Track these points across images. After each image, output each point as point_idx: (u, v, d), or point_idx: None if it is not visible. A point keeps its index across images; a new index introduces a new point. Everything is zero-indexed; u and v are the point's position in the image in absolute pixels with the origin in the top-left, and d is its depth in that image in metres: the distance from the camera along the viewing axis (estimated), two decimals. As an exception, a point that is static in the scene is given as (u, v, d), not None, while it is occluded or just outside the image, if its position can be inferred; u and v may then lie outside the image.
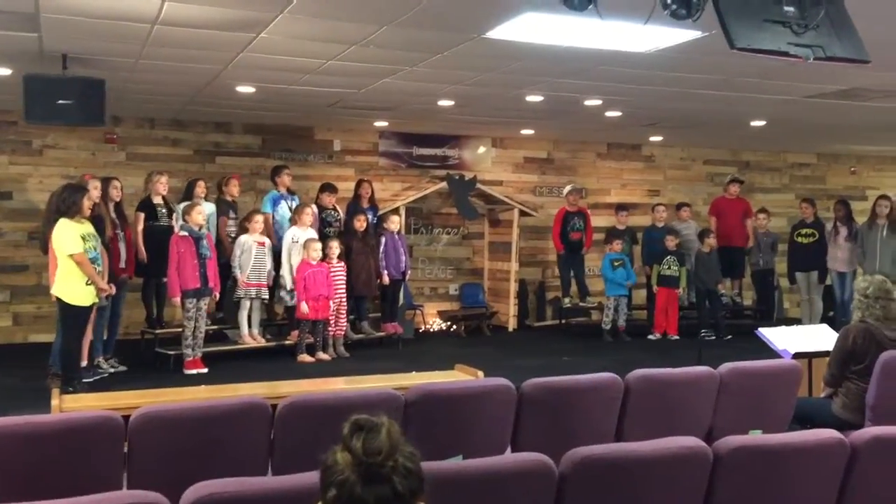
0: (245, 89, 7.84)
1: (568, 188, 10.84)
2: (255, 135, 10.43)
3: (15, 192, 9.49)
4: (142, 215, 8.10)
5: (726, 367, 4.40)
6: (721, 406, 4.38)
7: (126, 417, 3.34)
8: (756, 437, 2.91)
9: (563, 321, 10.87)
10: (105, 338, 7.69)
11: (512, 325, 10.87)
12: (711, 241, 10.30)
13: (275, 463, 3.53)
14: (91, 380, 7.10)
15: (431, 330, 10.76)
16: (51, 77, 6.34)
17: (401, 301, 10.07)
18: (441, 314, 10.81)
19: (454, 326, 10.58)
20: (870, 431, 3.05)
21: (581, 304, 10.75)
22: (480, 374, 6.35)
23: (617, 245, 10.16)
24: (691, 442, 2.83)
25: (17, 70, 6.74)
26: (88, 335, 7.31)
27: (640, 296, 11.03)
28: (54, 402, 5.32)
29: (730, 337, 9.92)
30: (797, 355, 5.48)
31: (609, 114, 9.24)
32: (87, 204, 6.55)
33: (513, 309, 10.90)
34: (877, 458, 2.98)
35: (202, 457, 3.33)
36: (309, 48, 6.12)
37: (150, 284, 8.26)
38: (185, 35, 5.72)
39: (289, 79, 7.29)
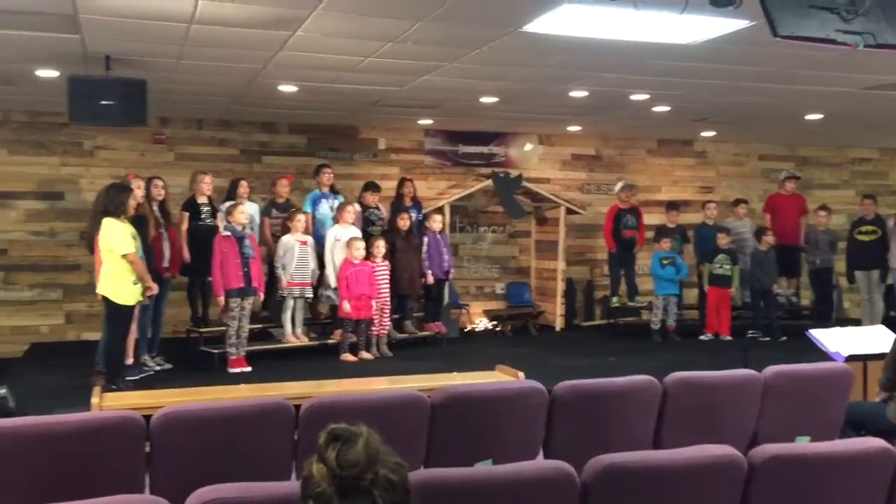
0: (287, 88, 7.84)
1: (619, 185, 10.64)
2: (301, 134, 10.45)
3: (67, 192, 9.65)
4: (186, 215, 8.16)
5: (771, 370, 4.21)
6: (766, 411, 4.20)
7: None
8: (794, 445, 2.74)
9: (612, 321, 10.66)
10: (150, 336, 7.77)
11: (559, 324, 10.71)
12: (769, 238, 9.99)
13: (299, 465, 3.48)
14: (136, 377, 7.16)
15: (477, 329, 10.65)
16: (94, 78, 6.41)
17: (445, 300, 10.00)
18: (487, 313, 10.70)
19: (500, 326, 10.45)
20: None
21: (630, 303, 10.54)
22: (521, 374, 6.24)
23: (665, 244, 9.92)
24: (724, 450, 2.68)
25: (65, 72, 6.83)
26: (134, 333, 7.40)
27: (692, 295, 10.77)
28: (94, 400, 5.37)
29: (784, 338, 9.61)
30: (850, 358, 5.25)
31: (657, 109, 9.02)
32: (132, 204, 6.62)
33: (560, 308, 10.74)
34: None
35: (225, 458, 3.29)
36: (346, 46, 6.07)
37: (194, 283, 8.32)
38: (221, 34, 5.72)
39: (329, 77, 7.26)
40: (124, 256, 6.41)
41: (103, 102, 6.32)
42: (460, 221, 11.06)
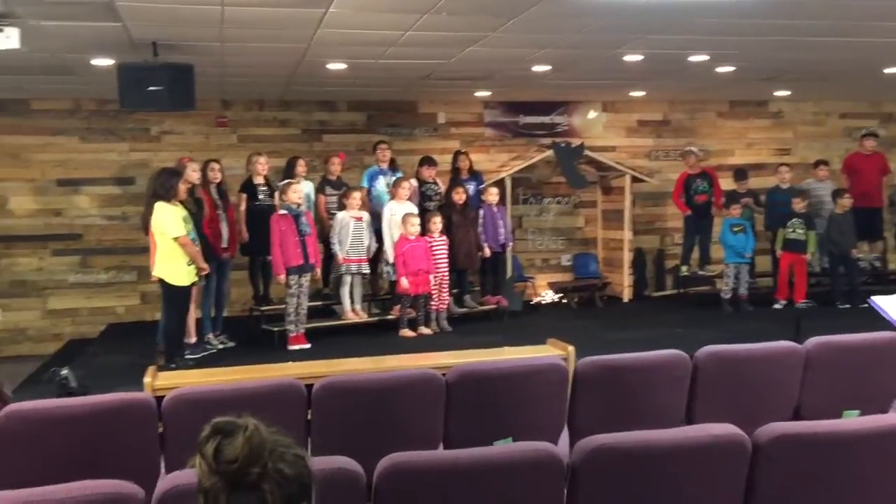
0: (335, 66, 7.83)
1: (684, 150, 10.33)
2: (360, 111, 10.47)
3: (137, 177, 9.92)
4: (244, 196, 8.28)
5: (813, 341, 4.00)
6: (809, 384, 4.00)
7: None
8: (805, 424, 2.58)
9: (682, 291, 10.37)
10: (213, 315, 7.95)
11: (627, 295, 10.49)
12: (845, 201, 9.52)
13: (314, 444, 3.48)
14: (199, 356, 7.34)
15: (543, 302, 10.52)
16: (141, 64, 6.53)
17: (509, 273, 9.91)
18: (552, 286, 10.55)
19: (565, 298, 10.30)
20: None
21: (700, 272, 10.22)
22: (571, 349, 6.13)
23: (735, 210, 9.55)
24: (726, 429, 2.54)
25: (118, 60, 6.97)
26: (194, 313, 7.59)
27: (766, 262, 10.37)
28: (147, 379, 5.52)
29: (866, 305, 9.13)
30: (916, 327, 4.93)
31: (720, 69, 8.63)
32: (182, 188, 6.75)
33: (627, 279, 10.50)
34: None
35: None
36: (381, 20, 6.00)
37: (255, 263, 8.46)
38: (255, 15, 5.72)
39: (374, 53, 7.21)
40: (175, 239, 6.55)
41: (151, 88, 6.43)
42: (524, 193, 10.92)
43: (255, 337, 8.20)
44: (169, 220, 6.55)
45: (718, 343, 4.02)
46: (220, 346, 7.89)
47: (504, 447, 2.45)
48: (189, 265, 6.69)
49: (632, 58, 7.76)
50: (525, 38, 6.79)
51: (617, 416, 3.73)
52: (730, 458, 2.51)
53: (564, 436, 3.78)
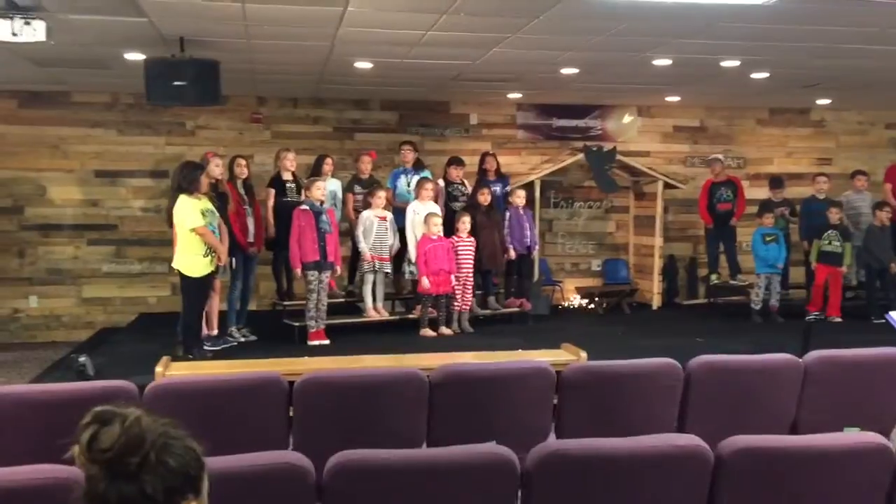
0: (363, 65, 7.87)
1: (709, 158, 10.20)
2: (392, 111, 10.51)
3: (172, 170, 10.05)
4: (272, 191, 8.36)
5: (813, 355, 3.90)
6: (807, 399, 3.90)
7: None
8: (769, 438, 2.51)
9: (711, 300, 10.20)
10: (238, 308, 8.05)
11: (656, 302, 10.35)
12: (884, 214, 9.26)
13: (294, 440, 3.50)
14: (218, 348, 7.43)
15: (572, 307, 10.44)
16: (167, 60, 6.64)
17: (535, 276, 9.86)
18: (579, 290, 10.46)
19: (591, 304, 10.20)
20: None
21: (731, 281, 10.04)
22: (583, 354, 6.09)
23: (768, 219, 9.36)
24: (687, 440, 2.48)
25: (150, 55, 7.10)
26: (217, 305, 7.69)
27: (801, 274, 10.15)
28: (158, 369, 5.62)
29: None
30: (932, 343, 4.78)
31: (755, 76, 8.48)
32: (205, 181, 6.84)
33: (657, 286, 10.36)
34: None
35: (217, 429, 3.35)
36: (401, 20, 6.02)
37: (279, 258, 8.52)
38: (276, 12, 5.78)
39: (398, 52, 7.23)
40: (193, 230, 6.65)
41: (176, 83, 6.53)
42: (555, 196, 10.85)
43: (277, 331, 8.26)
44: (187, 212, 6.65)
45: (745, 354, 3.94)
46: (242, 339, 7.97)
47: (461, 449, 2.43)
48: (206, 257, 6.77)
49: (661, 62, 7.66)
50: (549, 40, 6.74)
51: (605, 423, 3.68)
52: (691, 470, 2.46)
53: (551, 439, 3.74)
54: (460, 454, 2.41)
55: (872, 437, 2.52)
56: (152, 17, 5.94)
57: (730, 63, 7.76)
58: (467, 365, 3.74)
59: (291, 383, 3.43)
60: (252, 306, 9.76)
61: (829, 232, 9.28)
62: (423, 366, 4.51)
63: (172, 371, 5.76)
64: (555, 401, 3.73)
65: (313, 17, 5.91)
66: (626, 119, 10.98)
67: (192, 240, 6.73)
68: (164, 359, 5.85)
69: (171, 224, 7.08)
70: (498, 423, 3.64)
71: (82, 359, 6.32)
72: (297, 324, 7.97)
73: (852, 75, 8.38)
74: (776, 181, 10.09)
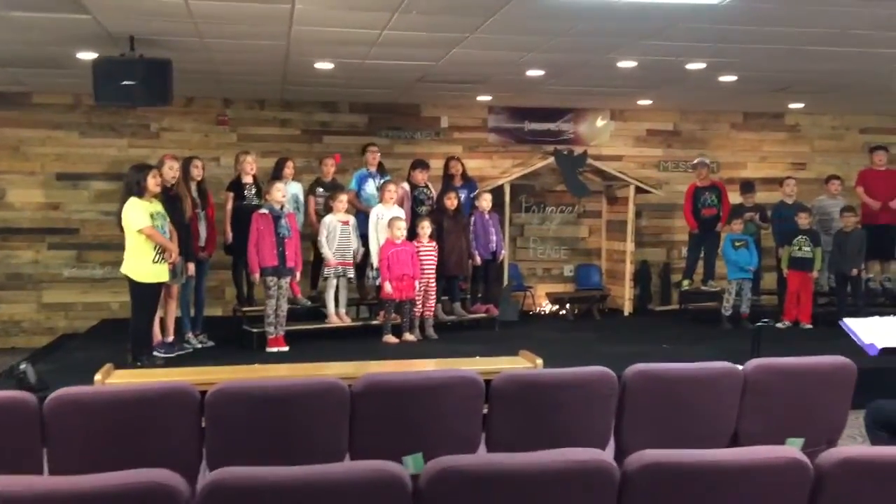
0: (323, 65, 7.73)
1: (694, 161, 10.07)
2: (362, 113, 10.36)
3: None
4: (231, 195, 8.21)
5: (753, 363, 3.76)
6: (747, 409, 3.75)
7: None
8: (677, 452, 2.35)
9: (683, 306, 10.07)
10: (192, 314, 7.88)
11: (628, 308, 10.22)
12: (850, 218, 9.16)
13: (207, 454, 3.34)
14: (172, 355, 7.26)
15: (543, 313, 10.30)
16: (115, 59, 6.49)
17: (505, 282, 9.72)
18: (549, 296, 10.32)
19: (562, 309, 10.06)
20: (840, 452, 2.40)
21: (702, 287, 9.93)
22: (539, 361, 5.96)
23: (737, 225, 9.25)
24: (591, 455, 2.33)
25: (102, 55, 6.94)
26: (173, 311, 7.52)
27: (772, 280, 10.04)
28: (97, 377, 5.46)
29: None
30: (886, 351, 4.64)
31: (723, 79, 8.37)
32: (152, 182, 6.66)
33: (628, 292, 10.24)
34: (846, 483, 2.35)
35: (124, 443, 3.19)
36: (352, 18, 5.88)
37: (239, 264, 8.35)
38: (221, 8, 5.64)
39: (357, 53, 7.09)
40: (140, 231, 6.49)
41: (125, 83, 6.37)
42: (526, 201, 10.72)
43: (236, 338, 8.11)
44: (135, 214, 6.50)
45: (713, 360, 3.80)
46: (199, 346, 7.81)
47: (349, 467, 2.28)
48: (155, 262, 6.61)
49: (626, 64, 7.54)
50: (509, 40, 6.62)
51: (534, 435, 3.54)
52: (595, 487, 2.31)
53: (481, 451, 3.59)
54: (349, 471, 2.25)
55: (788, 452, 2.38)
56: (95, 14, 5.79)
57: (695, 66, 7.65)
58: (390, 374, 3.58)
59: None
60: (217, 311, 9.65)
61: (799, 237, 9.17)
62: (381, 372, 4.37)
63: (113, 379, 5.59)
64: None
65: (261, 14, 5.76)
66: (600, 123, 10.86)
67: (141, 243, 6.57)
68: (107, 366, 5.68)
69: (121, 228, 6.91)
70: (424, 434, 3.49)
71: (23, 366, 6.14)
72: (255, 330, 7.81)
73: (820, 78, 8.28)
74: (747, 186, 9.99)
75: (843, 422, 3.86)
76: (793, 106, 10.59)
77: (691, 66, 7.68)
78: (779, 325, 9.18)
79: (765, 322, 6.66)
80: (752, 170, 11.14)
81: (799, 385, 3.75)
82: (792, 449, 2.40)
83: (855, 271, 9.04)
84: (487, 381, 3.59)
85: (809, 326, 9.07)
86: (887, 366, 5.51)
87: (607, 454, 2.34)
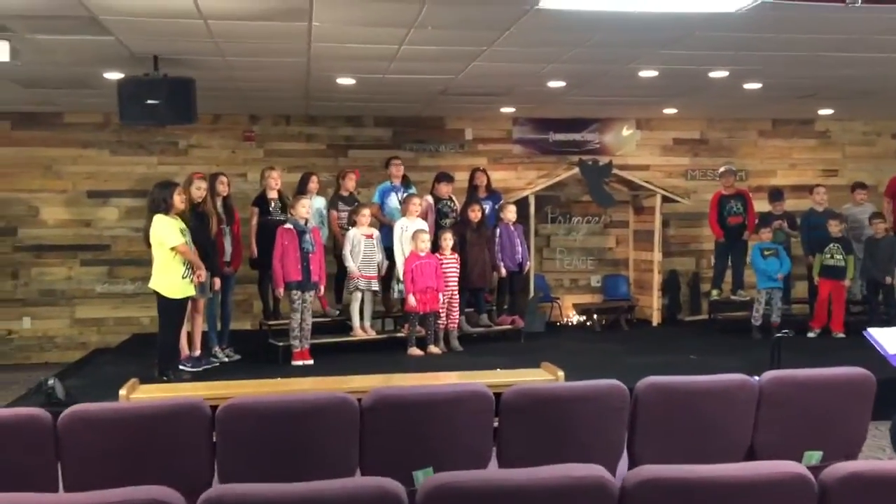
0: (345, 81, 7.80)
1: (721, 169, 9.99)
2: (386, 127, 10.43)
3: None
4: (256, 210, 8.30)
5: (769, 375, 3.70)
6: (763, 422, 3.70)
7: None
8: (679, 468, 2.33)
9: (711, 316, 9.96)
10: (219, 329, 7.96)
11: (656, 319, 10.13)
12: (880, 225, 9.01)
13: (219, 470, 3.37)
14: (199, 369, 7.35)
15: (570, 324, 10.25)
16: (140, 78, 6.59)
17: (531, 293, 9.70)
18: (576, 307, 10.27)
19: (589, 320, 10.00)
20: (845, 467, 2.36)
21: (732, 297, 9.81)
22: (561, 374, 5.97)
23: (766, 233, 9.13)
24: (588, 471, 2.31)
25: (128, 74, 7.06)
26: (200, 325, 7.61)
27: (805, 288, 9.90)
28: (122, 392, 5.54)
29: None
30: (911, 362, 4.57)
31: (748, 86, 8.29)
32: (177, 200, 6.76)
33: (657, 302, 10.15)
34: (851, 499, 2.30)
35: (134, 459, 3.24)
36: (369, 34, 5.93)
37: (265, 278, 8.43)
38: (241, 27, 5.71)
39: (378, 68, 7.14)
40: (173, 248, 6.59)
41: (149, 102, 6.48)
42: (552, 212, 10.69)
43: (262, 351, 8.18)
44: (166, 231, 6.62)
45: (741, 372, 3.76)
46: (226, 360, 7.89)
47: (346, 483, 2.28)
48: (184, 278, 6.70)
49: (647, 73, 7.51)
50: (526, 53, 6.62)
51: (546, 448, 3.52)
52: (593, 503, 2.29)
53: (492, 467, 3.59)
54: (340, 488, 2.25)
55: (791, 467, 2.34)
56: (118, 35, 5.90)
57: (718, 74, 7.58)
58: (399, 389, 3.60)
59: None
60: (246, 325, 9.75)
61: (831, 245, 9.05)
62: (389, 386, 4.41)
63: (138, 394, 5.68)
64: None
65: (280, 32, 5.83)
66: (626, 132, 10.81)
67: (171, 260, 6.67)
68: (132, 381, 5.76)
69: (148, 244, 7.02)
70: (435, 449, 3.49)
71: (51, 382, 6.25)
72: (281, 344, 7.87)
73: (845, 84, 8.16)
74: (775, 194, 9.87)
75: (862, 434, 3.79)
76: (822, 112, 10.45)
77: (714, 75, 7.62)
78: (810, 334, 9.05)
79: (784, 333, 6.56)
80: (781, 177, 11.00)
81: (816, 397, 3.68)
82: (795, 464, 2.37)
83: (889, 279, 8.87)
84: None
85: (842, 335, 8.91)
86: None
87: (605, 470, 2.32)
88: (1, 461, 3.10)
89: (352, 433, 3.38)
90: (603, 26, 5.74)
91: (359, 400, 3.36)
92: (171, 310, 6.79)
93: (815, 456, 3.69)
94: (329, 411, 3.35)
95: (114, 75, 7.29)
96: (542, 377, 5.97)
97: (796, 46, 6.53)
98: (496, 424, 3.57)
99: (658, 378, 3.62)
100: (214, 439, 3.34)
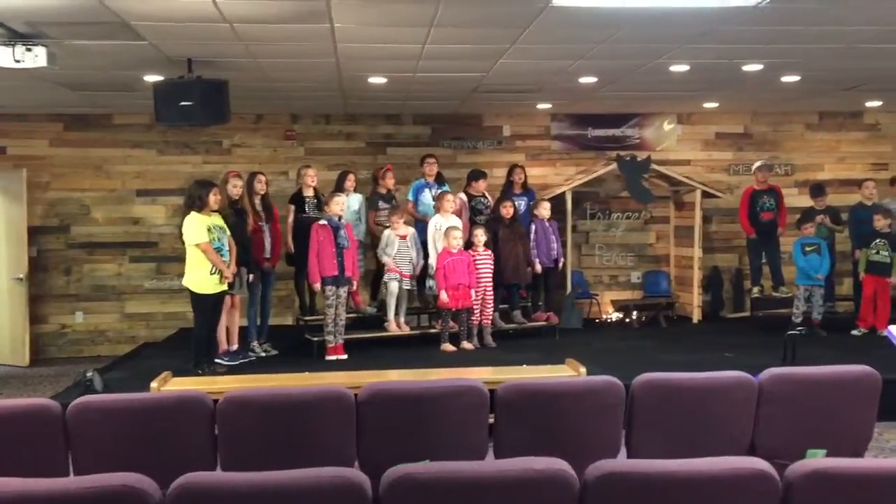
0: (376, 80, 7.90)
1: (757, 164, 9.82)
2: (425, 125, 10.51)
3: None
4: (292, 208, 8.47)
5: (768, 373, 3.67)
6: (764, 420, 3.67)
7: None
8: (638, 462, 2.36)
9: (752, 313, 9.80)
10: (258, 323, 8.16)
11: (697, 315, 10.01)
12: (920, 219, 8.76)
13: (221, 461, 3.49)
14: (235, 363, 7.53)
15: (609, 321, 10.20)
16: (174, 81, 6.80)
17: (569, 289, 9.69)
18: (614, 304, 10.21)
19: (626, 317, 9.94)
20: (809, 464, 2.35)
21: (774, 293, 9.64)
22: (583, 370, 5.97)
23: (808, 228, 8.95)
24: (549, 464, 2.35)
25: (167, 77, 7.28)
26: (237, 320, 7.82)
27: (850, 284, 9.68)
28: (153, 384, 5.72)
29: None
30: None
31: (786, 79, 8.14)
32: (213, 198, 6.95)
33: (697, 298, 10.03)
34: (814, 496, 2.29)
35: (139, 448, 3.38)
36: (392, 34, 6.01)
37: (301, 274, 8.59)
38: (266, 30, 5.85)
39: (406, 66, 7.22)
40: (196, 246, 6.78)
41: (183, 103, 6.67)
42: (591, 208, 10.65)
43: (299, 346, 8.34)
44: (193, 228, 6.80)
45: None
46: (263, 354, 8.08)
47: (308, 473, 2.36)
48: (213, 274, 6.89)
49: (678, 68, 7.44)
50: (552, 49, 6.63)
51: (542, 443, 3.55)
52: (553, 496, 2.33)
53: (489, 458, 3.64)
54: (299, 477, 2.33)
55: (755, 463, 2.34)
56: (150, 39, 6.09)
57: (752, 67, 7.47)
58: (394, 383, 3.67)
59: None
60: (287, 320, 9.95)
61: (877, 241, 8.82)
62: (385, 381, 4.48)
63: (169, 386, 5.86)
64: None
65: (304, 33, 5.95)
66: (666, 127, 10.70)
67: (199, 256, 6.87)
68: (164, 374, 5.95)
69: (183, 241, 7.23)
70: (432, 443, 3.56)
71: (90, 374, 6.50)
72: (316, 339, 8.02)
73: (889, 75, 7.95)
74: (817, 189, 9.65)
75: (868, 433, 3.73)
76: (870, 104, 10.19)
77: (748, 68, 7.51)
78: (854, 332, 8.84)
79: (799, 330, 6.45)
80: (829, 171, 10.77)
81: (819, 395, 3.65)
82: (759, 460, 2.37)
83: (931, 275, 8.63)
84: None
85: (886, 334, 8.68)
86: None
87: (566, 464, 2.35)
88: (14, 450, 3.27)
89: (348, 427, 3.47)
90: (623, 22, 5.72)
91: (355, 394, 3.43)
92: (202, 305, 6.98)
93: (818, 454, 3.64)
94: (326, 404, 3.45)
95: (154, 78, 7.51)
96: (564, 373, 5.99)
97: (826, 39, 6.40)
98: (492, 420, 3.61)
99: (654, 374, 3.63)
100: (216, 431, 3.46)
